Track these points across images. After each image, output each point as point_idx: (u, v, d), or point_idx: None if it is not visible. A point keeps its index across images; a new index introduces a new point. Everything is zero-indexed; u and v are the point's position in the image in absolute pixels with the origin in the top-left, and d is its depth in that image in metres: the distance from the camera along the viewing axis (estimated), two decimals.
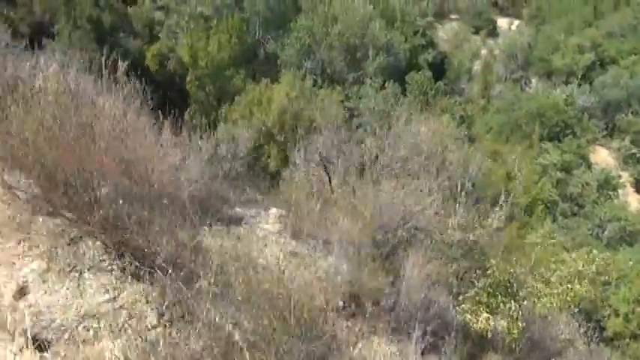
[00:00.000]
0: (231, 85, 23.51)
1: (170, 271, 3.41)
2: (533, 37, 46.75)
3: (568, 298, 6.06)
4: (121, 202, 3.61)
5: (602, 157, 33.11)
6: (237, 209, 5.54)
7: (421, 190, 5.78)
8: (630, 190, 30.69)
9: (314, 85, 25.16)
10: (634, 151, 27.34)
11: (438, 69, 37.79)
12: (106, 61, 4.71)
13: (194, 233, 3.95)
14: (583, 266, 6.32)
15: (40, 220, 3.87)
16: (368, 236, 4.96)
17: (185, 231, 3.88)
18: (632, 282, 17.75)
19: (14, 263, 3.60)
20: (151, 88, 4.84)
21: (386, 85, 26.56)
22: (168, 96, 19.88)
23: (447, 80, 37.31)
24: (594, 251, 6.74)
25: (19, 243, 3.74)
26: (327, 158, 7.63)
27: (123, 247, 3.68)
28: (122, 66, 4.74)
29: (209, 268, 3.55)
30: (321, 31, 28.57)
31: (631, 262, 16.35)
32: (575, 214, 25.45)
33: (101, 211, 3.50)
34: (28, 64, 5.16)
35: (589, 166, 30.15)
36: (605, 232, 23.12)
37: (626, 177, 30.67)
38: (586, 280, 6.19)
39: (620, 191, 28.92)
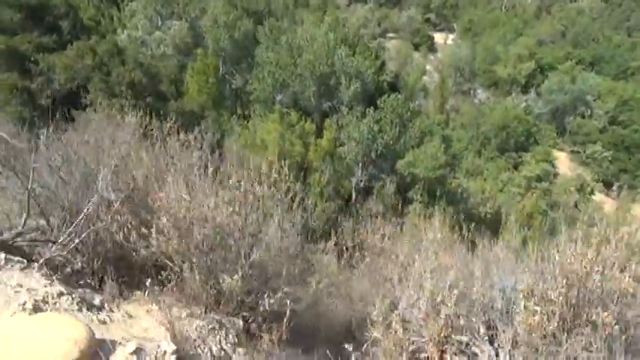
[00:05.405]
0: (215, 127, 22.19)
1: None
2: (472, 49, 48.56)
3: None
4: None
5: (562, 161, 34.62)
6: None
7: None
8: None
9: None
10: (605, 154, 28.76)
11: (393, 88, 38.10)
12: None
13: None
14: None
15: None
16: None
17: None
18: None
19: None
20: None
21: (366, 112, 26.16)
22: None
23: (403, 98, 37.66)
24: None
25: None
26: None
27: None
28: None
29: None
30: (289, 63, 27.79)
31: None
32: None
33: None
34: None
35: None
36: None
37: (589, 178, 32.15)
38: None
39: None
